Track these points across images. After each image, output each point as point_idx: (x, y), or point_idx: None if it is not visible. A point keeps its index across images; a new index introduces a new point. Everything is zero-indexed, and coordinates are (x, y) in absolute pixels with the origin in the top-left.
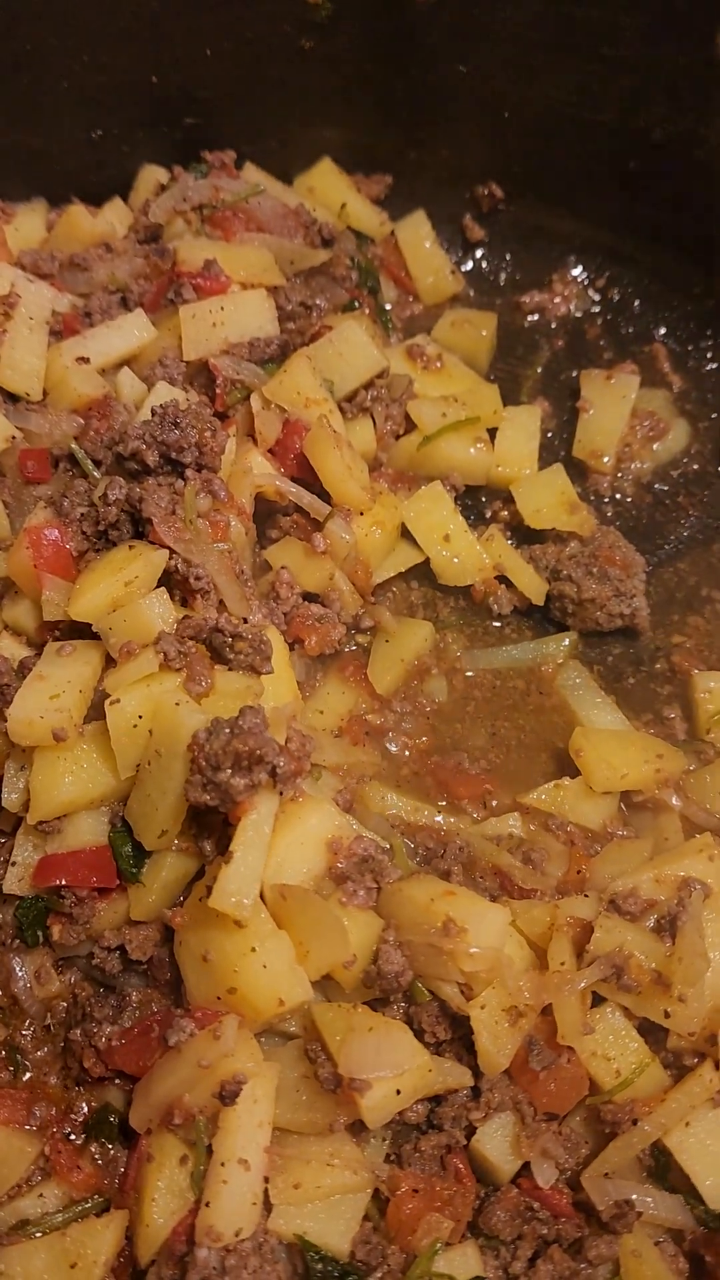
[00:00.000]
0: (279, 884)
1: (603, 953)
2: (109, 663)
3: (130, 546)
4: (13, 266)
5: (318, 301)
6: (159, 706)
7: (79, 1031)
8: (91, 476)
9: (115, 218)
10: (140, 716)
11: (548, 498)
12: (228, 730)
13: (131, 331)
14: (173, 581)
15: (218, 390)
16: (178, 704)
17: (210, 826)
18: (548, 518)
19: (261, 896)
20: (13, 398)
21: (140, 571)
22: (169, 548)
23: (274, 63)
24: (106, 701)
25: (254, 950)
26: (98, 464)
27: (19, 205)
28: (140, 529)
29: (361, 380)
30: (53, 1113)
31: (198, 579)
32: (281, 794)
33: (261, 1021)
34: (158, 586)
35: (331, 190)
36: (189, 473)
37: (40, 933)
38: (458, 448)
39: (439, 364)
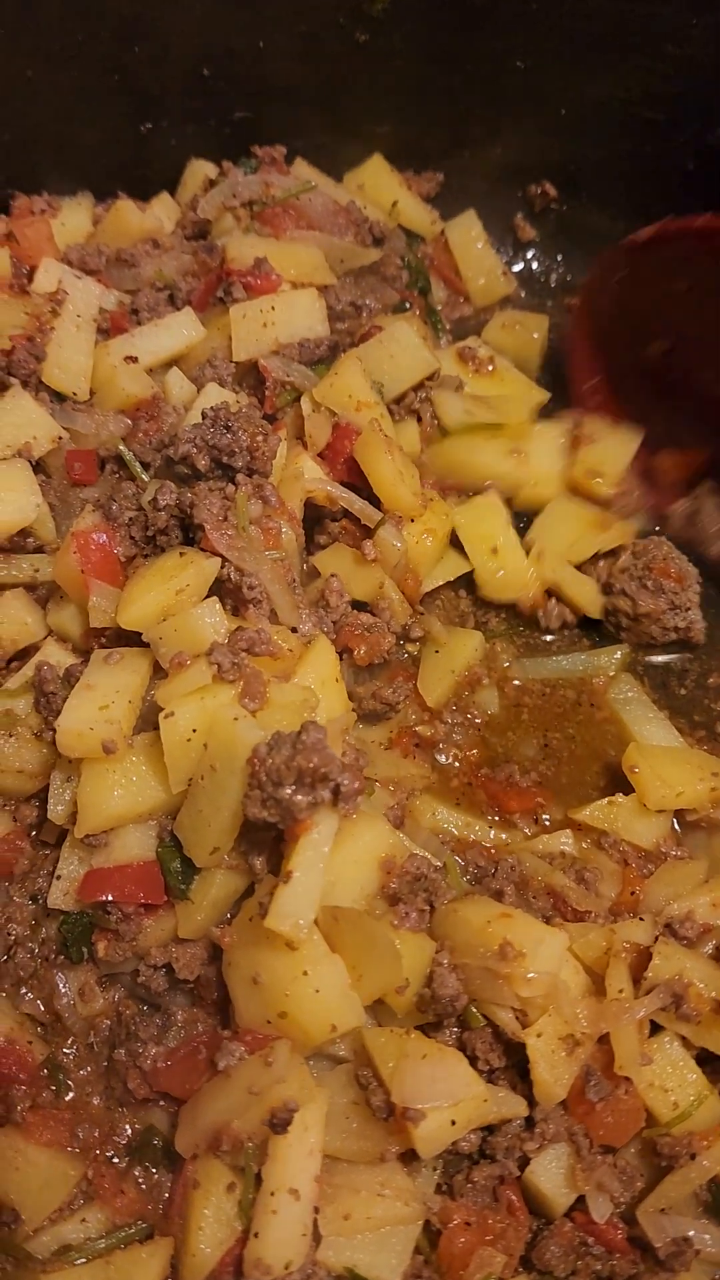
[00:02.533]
0: (331, 906)
1: (661, 980)
2: (157, 671)
3: (181, 554)
4: (59, 263)
5: (368, 301)
6: (215, 720)
7: (123, 1051)
8: (140, 479)
9: (163, 213)
10: (194, 730)
11: (569, 532)
12: (289, 746)
13: (180, 330)
14: (223, 590)
15: (267, 392)
16: (235, 719)
17: (260, 844)
18: (581, 549)
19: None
20: (59, 397)
21: (192, 580)
22: (221, 555)
23: (328, 57)
24: (160, 715)
25: (306, 974)
26: (146, 466)
27: (64, 199)
28: (190, 535)
29: (412, 382)
30: (96, 1134)
31: (251, 588)
32: (342, 813)
33: (311, 1046)
34: (209, 595)
35: (382, 187)
36: (240, 477)
37: (85, 949)
38: (487, 455)
39: (490, 367)
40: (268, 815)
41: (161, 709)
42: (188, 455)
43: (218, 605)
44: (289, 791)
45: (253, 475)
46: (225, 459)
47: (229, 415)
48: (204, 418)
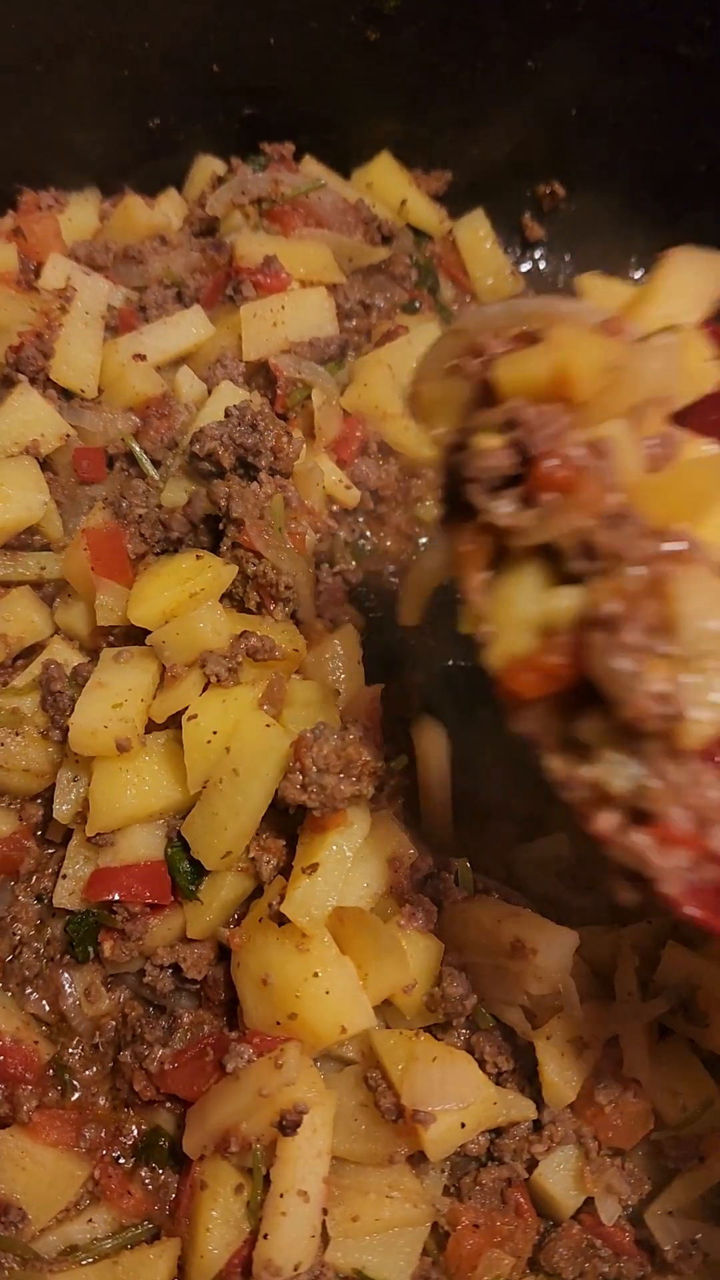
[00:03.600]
0: (337, 906)
1: (669, 983)
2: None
3: (198, 556)
4: (67, 259)
5: (376, 300)
6: (242, 726)
7: (129, 1053)
8: (150, 477)
9: (171, 210)
10: (215, 732)
11: None
12: (337, 736)
13: (189, 328)
14: (251, 587)
15: (278, 391)
16: (268, 725)
17: (270, 848)
18: None
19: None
20: (67, 394)
21: (208, 584)
22: (258, 553)
23: (337, 54)
24: (184, 716)
25: (317, 975)
26: (157, 464)
27: (71, 195)
28: (215, 536)
29: None
30: (102, 1135)
31: (288, 588)
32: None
33: (321, 1048)
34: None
35: (391, 186)
36: (263, 476)
37: (91, 948)
38: None
39: None
40: (307, 800)
41: (165, 714)
42: (213, 452)
43: (219, 609)
44: (335, 779)
45: (274, 475)
46: (250, 458)
47: (255, 414)
48: (228, 416)
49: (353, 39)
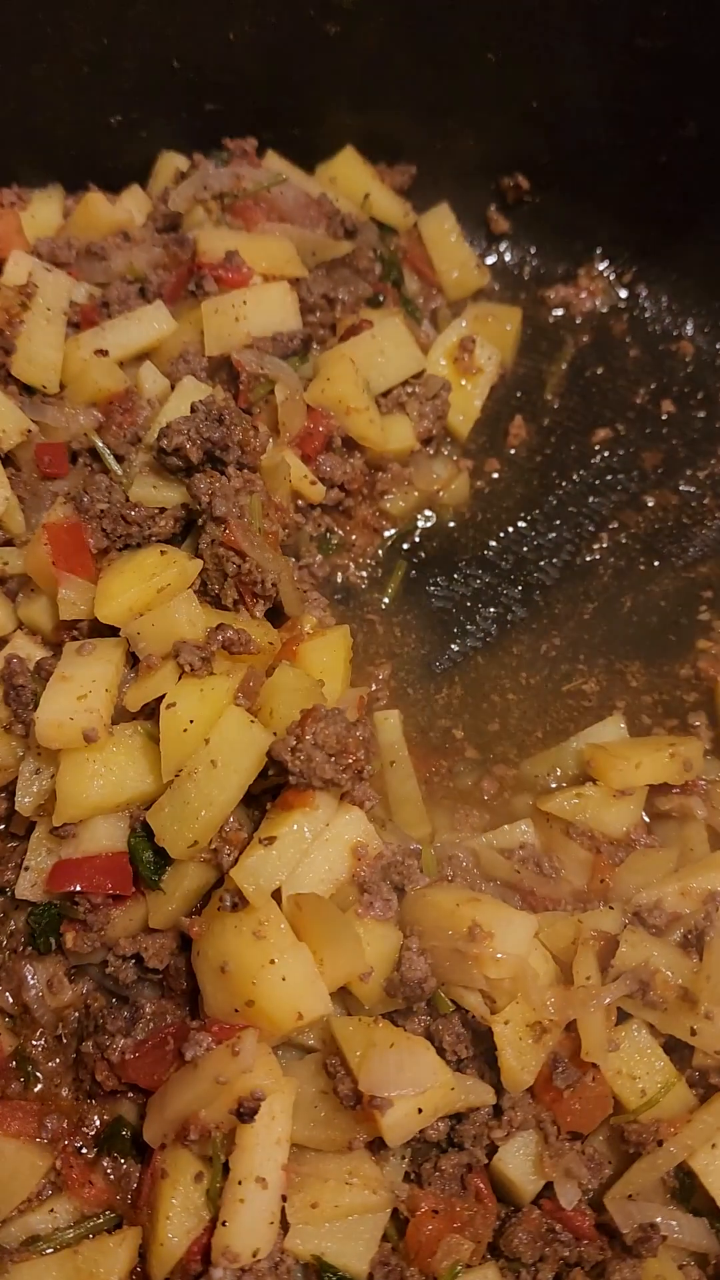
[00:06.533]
0: (295, 894)
1: (628, 968)
2: (131, 660)
3: (162, 552)
4: (29, 255)
5: (340, 294)
6: (225, 719)
7: (91, 1043)
8: (114, 472)
9: (134, 206)
10: (192, 721)
11: None
12: (343, 723)
13: (151, 323)
14: (231, 584)
15: (241, 386)
16: (252, 722)
17: (232, 840)
18: None
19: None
20: (29, 390)
21: (174, 580)
22: (242, 552)
23: (297, 49)
24: (163, 705)
25: (273, 962)
26: (120, 459)
27: (34, 191)
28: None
29: (399, 380)
30: (64, 1125)
31: (273, 585)
32: (352, 801)
33: (279, 1035)
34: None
35: (354, 180)
36: (230, 470)
37: (53, 940)
38: None
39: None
40: (290, 763)
41: (139, 702)
42: (180, 447)
43: (195, 601)
44: (324, 756)
45: (243, 469)
46: (218, 452)
47: (221, 408)
48: (194, 410)
49: (312, 33)
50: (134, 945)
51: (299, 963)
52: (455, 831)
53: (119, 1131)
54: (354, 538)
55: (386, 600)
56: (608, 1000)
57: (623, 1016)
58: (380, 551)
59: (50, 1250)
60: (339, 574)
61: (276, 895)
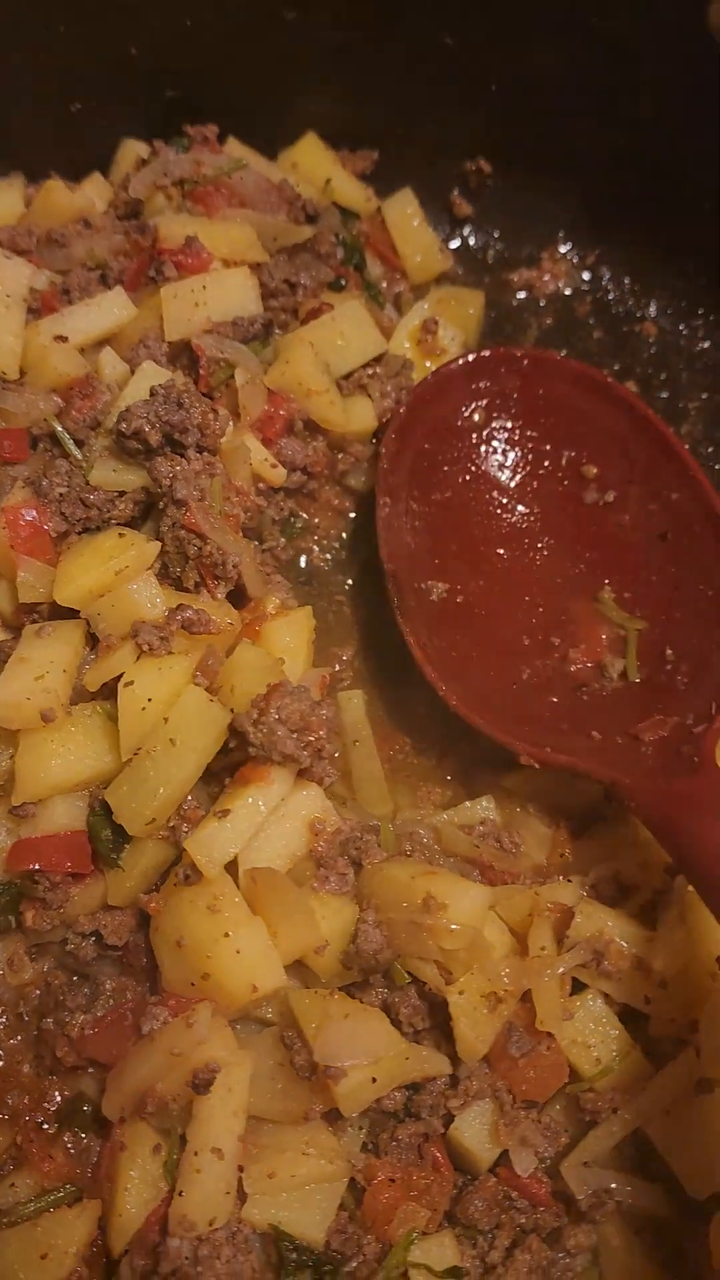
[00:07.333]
0: (251, 868)
1: (583, 938)
2: (91, 642)
3: (120, 534)
4: None
5: (301, 279)
6: (184, 698)
7: (51, 1020)
8: (74, 457)
9: (95, 193)
10: (150, 699)
11: None
12: (308, 701)
13: (111, 310)
14: (192, 566)
15: (201, 371)
16: (211, 701)
17: (190, 818)
18: None
19: (236, 882)
20: None
21: (132, 562)
22: (203, 534)
23: (256, 34)
24: (120, 683)
25: (227, 935)
26: (80, 444)
27: None
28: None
29: (360, 362)
30: (25, 1101)
31: (234, 566)
32: (310, 779)
33: (236, 1008)
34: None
35: (316, 165)
36: (190, 454)
37: (13, 918)
38: None
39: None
40: (252, 734)
41: (98, 682)
42: (140, 430)
43: (155, 582)
44: (285, 731)
45: (203, 453)
46: (178, 435)
47: (180, 392)
48: (154, 394)
49: (270, 19)
50: (93, 922)
51: (254, 936)
52: (417, 809)
53: (79, 1107)
54: (317, 520)
55: (350, 582)
56: (561, 970)
57: (578, 987)
58: (344, 534)
59: (9, 1223)
60: (303, 557)
61: (233, 871)
